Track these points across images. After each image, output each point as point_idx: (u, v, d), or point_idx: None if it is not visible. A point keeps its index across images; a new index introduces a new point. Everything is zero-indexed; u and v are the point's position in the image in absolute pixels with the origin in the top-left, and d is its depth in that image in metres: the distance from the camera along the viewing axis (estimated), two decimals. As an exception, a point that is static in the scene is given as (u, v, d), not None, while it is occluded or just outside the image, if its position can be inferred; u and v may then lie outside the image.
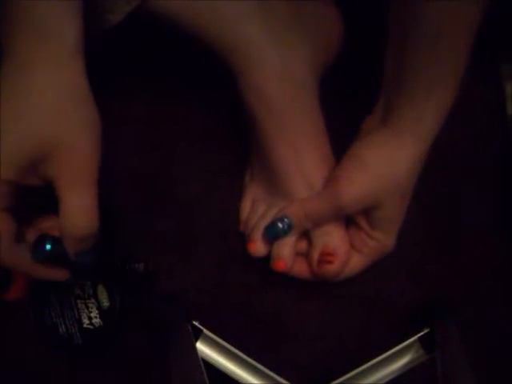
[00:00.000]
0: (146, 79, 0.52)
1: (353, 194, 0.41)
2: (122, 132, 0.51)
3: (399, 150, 0.40)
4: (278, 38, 0.42)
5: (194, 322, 0.44)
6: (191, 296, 0.48)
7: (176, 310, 0.45)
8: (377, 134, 0.41)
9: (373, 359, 0.43)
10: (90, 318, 0.45)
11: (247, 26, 0.41)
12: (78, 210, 0.35)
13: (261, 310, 0.48)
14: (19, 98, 0.33)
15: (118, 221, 0.49)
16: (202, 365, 0.40)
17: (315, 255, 0.43)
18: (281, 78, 0.42)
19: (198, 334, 0.44)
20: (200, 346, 0.44)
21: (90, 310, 0.45)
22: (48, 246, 0.37)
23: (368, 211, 0.42)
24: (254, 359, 0.44)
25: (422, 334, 0.42)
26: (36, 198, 0.37)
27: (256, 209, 0.46)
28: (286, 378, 0.44)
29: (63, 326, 0.45)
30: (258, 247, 0.44)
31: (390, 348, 0.43)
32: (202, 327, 0.44)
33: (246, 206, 0.48)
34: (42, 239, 0.37)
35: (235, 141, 0.50)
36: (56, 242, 0.37)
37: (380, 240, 0.44)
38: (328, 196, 0.42)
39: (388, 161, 0.40)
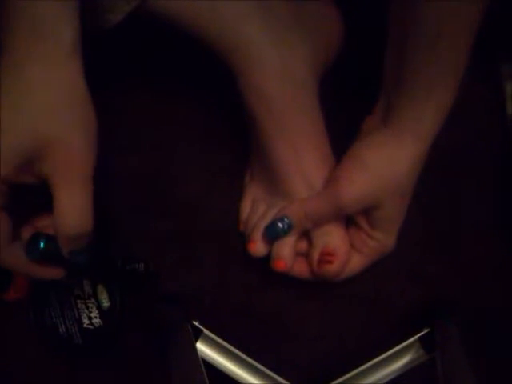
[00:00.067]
0: (146, 79, 0.52)
1: (353, 193, 0.41)
2: (121, 132, 0.51)
3: (399, 150, 0.40)
4: (278, 37, 0.42)
5: (194, 322, 0.44)
6: (191, 296, 0.48)
7: (176, 309, 0.45)
8: (377, 134, 0.41)
9: (373, 359, 0.43)
10: (89, 318, 0.45)
11: (247, 26, 0.41)
12: (72, 209, 0.35)
13: (261, 310, 0.48)
14: (15, 95, 0.33)
15: (117, 221, 0.49)
16: (202, 365, 0.40)
17: (315, 255, 0.43)
18: (281, 78, 0.42)
19: (198, 334, 0.44)
20: (200, 346, 0.44)
21: (90, 310, 0.45)
22: (41, 244, 0.37)
23: (368, 211, 0.42)
24: (254, 359, 0.44)
25: (421, 333, 0.42)
26: (32, 196, 0.37)
27: (256, 209, 0.46)
28: (285, 378, 0.44)
29: (63, 326, 0.45)
30: (257, 247, 0.44)
31: (390, 348, 0.43)
32: (202, 327, 0.44)
33: (245, 206, 0.48)
34: (36, 237, 0.37)
35: (235, 141, 0.50)
36: (50, 240, 0.37)
37: (380, 240, 0.44)
38: (328, 196, 0.42)
39: (388, 161, 0.40)
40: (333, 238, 0.43)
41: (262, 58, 0.41)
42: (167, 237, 0.49)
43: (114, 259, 0.46)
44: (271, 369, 0.44)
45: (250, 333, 0.48)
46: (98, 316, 0.45)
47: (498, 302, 0.48)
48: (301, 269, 0.45)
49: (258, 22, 0.41)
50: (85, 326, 0.45)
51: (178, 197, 0.50)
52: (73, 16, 0.34)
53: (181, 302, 0.47)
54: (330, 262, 0.42)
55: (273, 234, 0.43)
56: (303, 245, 0.45)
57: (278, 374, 0.44)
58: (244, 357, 0.44)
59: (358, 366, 0.43)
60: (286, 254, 0.43)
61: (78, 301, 0.46)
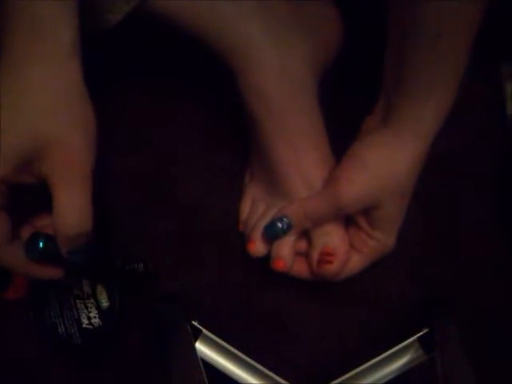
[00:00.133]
0: (145, 79, 0.52)
1: (353, 193, 0.41)
2: (121, 132, 0.51)
3: (399, 150, 0.40)
4: (278, 37, 0.42)
5: (194, 322, 0.44)
6: (191, 296, 0.48)
7: (175, 309, 0.45)
8: (377, 134, 0.41)
9: (372, 359, 0.43)
10: (89, 318, 0.45)
11: (247, 26, 0.41)
12: (71, 209, 0.35)
13: (260, 310, 0.48)
14: (14, 95, 0.33)
15: (117, 221, 0.49)
16: (202, 365, 0.40)
17: (315, 255, 0.43)
18: (280, 77, 0.42)
19: (197, 334, 0.44)
20: (199, 345, 0.44)
21: (89, 310, 0.45)
22: (41, 244, 0.37)
23: (368, 211, 0.42)
24: (254, 359, 0.44)
25: (421, 333, 0.42)
26: (31, 196, 0.37)
27: (256, 209, 0.46)
28: (285, 378, 0.44)
29: (62, 326, 0.45)
30: (257, 247, 0.44)
31: (390, 348, 0.43)
32: (201, 327, 0.44)
33: (245, 206, 0.48)
34: (35, 237, 0.37)
35: (235, 141, 0.50)
36: (49, 239, 0.37)
37: (380, 240, 0.44)
38: (328, 196, 0.42)
39: (388, 161, 0.40)
40: (332, 237, 0.43)
41: (262, 58, 0.41)
42: (167, 237, 0.49)
43: (113, 259, 0.46)
44: (271, 369, 0.44)
45: (250, 333, 0.48)
46: (97, 316, 0.45)
47: (498, 302, 0.48)
48: (300, 268, 0.45)
49: (257, 22, 0.41)
50: (84, 325, 0.45)
51: (177, 197, 0.50)
52: (72, 16, 0.34)
53: (180, 302, 0.47)
54: (329, 262, 0.42)
55: (272, 234, 0.43)
56: (303, 244, 0.45)
57: (277, 374, 0.44)
58: (243, 357, 0.44)
59: (357, 366, 0.43)
60: (285, 253, 0.43)
61: (78, 301, 0.46)
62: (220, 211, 0.50)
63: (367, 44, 0.47)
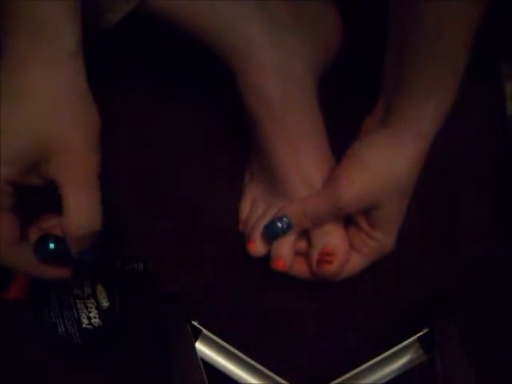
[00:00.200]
0: (145, 79, 0.52)
1: (352, 193, 0.41)
2: (121, 132, 0.51)
3: (399, 150, 0.40)
4: (278, 38, 0.42)
5: (194, 322, 0.44)
6: (191, 296, 0.48)
7: (175, 309, 0.45)
8: (377, 134, 0.41)
9: (372, 359, 0.43)
10: (89, 318, 0.45)
11: (247, 26, 0.41)
12: (81, 209, 0.35)
13: (260, 309, 0.48)
14: (17, 97, 0.33)
15: (117, 221, 0.49)
16: (202, 365, 0.40)
17: (315, 255, 0.43)
18: (280, 77, 0.42)
19: (197, 334, 0.44)
20: (199, 345, 0.44)
21: (89, 310, 0.45)
22: (51, 245, 0.37)
23: (368, 211, 0.42)
24: (253, 359, 0.44)
25: (421, 333, 0.42)
26: (37, 197, 0.37)
27: (256, 209, 0.47)
28: (285, 378, 0.44)
29: (62, 326, 0.45)
30: (257, 247, 0.44)
31: (390, 348, 0.43)
32: (201, 327, 0.44)
33: (245, 206, 0.48)
34: (45, 238, 0.37)
35: (235, 141, 0.50)
36: (59, 240, 0.37)
37: (380, 240, 0.44)
38: (328, 196, 0.42)
39: (388, 161, 0.40)
40: (332, 237, 0.43)
41: (262, 58, 0.41)
42: (167, 237, 0.49)
43: (113, 259, 0.47)
44: (270, 369, 0.44)
45: (250, 333, 0.48)
46: (97, 316, 0.45)
47: (498, 302, 0.48)
48: (300, 268, 0.45)
49: (257, 22, 0.41)
50: (84, 325, 0.45)
51: (178, 197, 0.50)
52: (74, 17, 0.34)
53: (180, 301, 0.47)
54: (329, 262, 0.42)
55: (272, 234, 0.43)
56: (302, 244, 0.45)
57: (277, 373, 0.44)
58: (243, 357, 0.43)
59: (357, 366, 0.43)
60: (285, 253, 0.43)
61: (78, 301, 0.46)
62: (220, 211, 0.50)
63: (367, 44, 0.47)
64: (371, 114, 0.43)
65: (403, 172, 0.41)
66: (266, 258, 0.45)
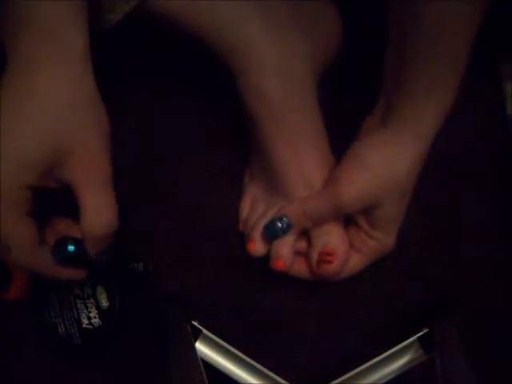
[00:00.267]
0: (145, 79, 0.52)
1: (352, 193, 0.41)
2: (121, 132, 0.50)
3: (399, 149, 0.40)
4: (278, 37, 0.42)
5: (194, 322, 0.44)
6: (191, 296, 0.48)
7: (175, 309, 0.45)
8: (377, 134, 0.41)
9: (372, 359, 0.43)
10: (89, 318, 0.45)
11: (247, 26, 0.41)
12: (98, 210, 0.36)
13: (260, 309, 0.48)
14: (29, 101, 0.33)
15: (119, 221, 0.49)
16: (202, 365, 0.40)
17: (314, 255, 0.43)
18: (280, 77, 0.42)
19: (197, 334, 0.44)
20: (199, 345, 0.44)
21: (90, 309, 0.45)
22: (71, 247, 0.37)
23: (368, 211, 0.42)
24: (253, 359, 0.44)
25: (421, 333, 0.42)
26: (50, 200, 0.38)
27: (255, 209, 0.47)
28: (285, 378, 0.44)
29: (62, 326, 0.45)
30: (257, 247, 0.44)
31: (390, 348, 0.43)
32: (201, 327, 0.44)
33: (245, 206, 0.48)
34: (64, 241, 0.38)
35: (235, 141, 0.50)
36: (77, 242, 0.38)
37: (380, 240, 0.44)
38: (327, 195, 0.42)
39: (388, 160, 0.40)
40: (332, 237, 0.43)
41: (262, 58, 0.41)
42: (167, 237, 0.49)
43: (113, 259, 0.46)
44: (270, 369, 0.44)
45: (250, 333, 0.48)
46: (97, 316, 0.45)
47: (498, 301, 0.48)
48: (300, 268, 0.45)
49: (257, 22, 0.41)
50: (84, 325, 0.45)
51: (178, 197, 0.50)
52: (82, 17, 0.34)
53: (180, 301, 0.47)
54: (329, 262, 0.42)
55: (272, 233, 0.43)
56: (302, 244, 0.45)
57: (277, 373, 0.44)
58: (243, 357, 0.43)
59: (357, 366, 0.43)
60: (285, 253, 0.43)
61: (78, 301, 0.46)
62: (220, 211, 0.50)
63: (367, 44, 0.47)
64: (371, 113, 0.43)
65: (403, 172, 0.41)
66: (266, 258, 0.45)
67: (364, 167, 0.41)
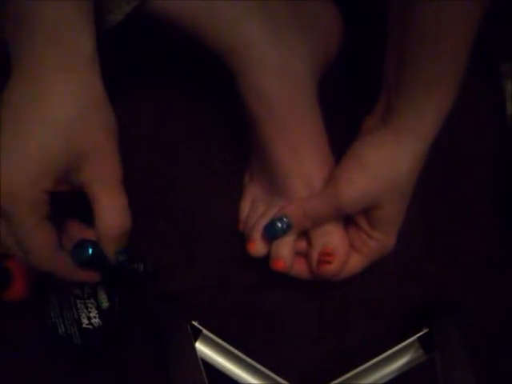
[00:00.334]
0: (145, 79, 0.52)
1: (353, 193, 0.41)
2: (121, 132, 0.50)
3: (399, 149, 0.40)
4: (278, 38, 0.41)
5: (194, 322, 0.44)
6: (191, 296, 0.48)
7: (175, 310, 0.45)
8: (377, 133, 0.41)
9: (372, 359, 0.43)
10: (89, 318, 0.45)
11: (246, 26, 0.41)
12: (114, 211, 0.37)
13: (260, 310, 0.48)
14: (41, 106, 0.34)
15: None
16: (202, 365, 0.40)
17: (314, 255, 0.43)
18: (280, 78, 0.42)
19: (197, 334, 0.44)
20: (199, 346, 0.44)
21: (90, 310, 0.45)
22: (90, 250, 0.38)
23: (368, 211, 0.42)
24: (254, 359, 0.44)
25: (421, 334, 0.42)
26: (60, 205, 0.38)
27: (255, 209, 0.46)
28: (285, 378, 0.44)
29: (62, 326, 0.45)
30: (257, 247, 0.44)
31: (390, 348, 0.43)
32: (201, 327, 0.44)
33: (245, 206, 0.48)
34: (82, 244, 0.38)
35: (235, 141, 0.50)
36: (95, 245, 0.38)
37: (380, 240, 0.44)
38: (328, 196, 0.42)
39: (388, 161, 0.40)
40: (332, 237, 0.43)
41: (262, 59, 0.41)
42: (167, 237, 0.49)
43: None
44: (270, 369, 0.44)
45: (250, 333, 0.48)
46: (97, 316, 0.45)
47: (498, 302, 0.48)
48: (300, 268, 0.45)
49: (257, 22, 0.41)
50: (84, 326, 0.45)
51: (177, 197, 0.50)
52: (89, 21, 0.35)
53: (180, 302, 0.47)
54: (329, 262, 0.42)
55: (272, 234, 0.43)
56: (302, 244, 0.45)
57: (277, 373, 0.44)
58: (243, 357, 0.44)
59: (357, 366, 0.43)
60: (285, 253, 0.43)
61: (78, 301, 0.46)
62: (220, 211, 0.50)
63: (367, 44, 0.47)
64: (371, 113, 0.43)
65: (403, 172, 0.40)
66: (266, 258, 0.45)
67: (364, 167, 0.41)
